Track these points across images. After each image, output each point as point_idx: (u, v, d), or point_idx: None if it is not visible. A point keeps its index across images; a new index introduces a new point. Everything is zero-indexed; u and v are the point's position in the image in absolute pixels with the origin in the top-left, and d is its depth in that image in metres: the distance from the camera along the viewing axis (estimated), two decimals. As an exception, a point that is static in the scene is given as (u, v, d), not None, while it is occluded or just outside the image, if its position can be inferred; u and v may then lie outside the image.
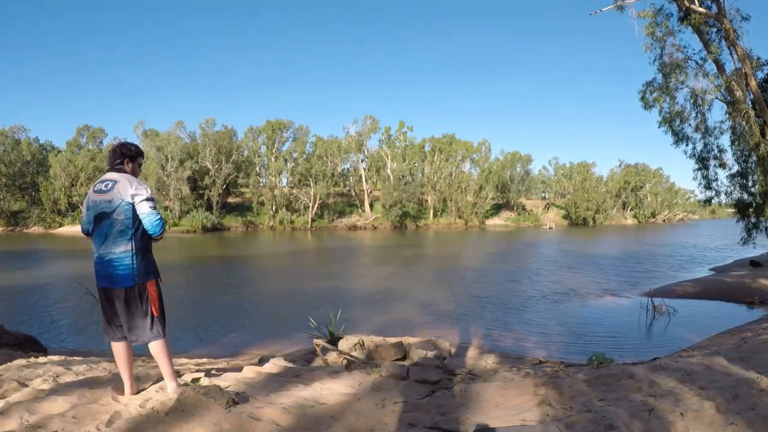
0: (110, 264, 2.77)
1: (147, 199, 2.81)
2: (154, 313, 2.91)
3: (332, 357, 5.25)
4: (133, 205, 2.79)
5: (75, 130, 56.96)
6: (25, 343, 6.25)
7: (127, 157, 2.96)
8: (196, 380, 3.30)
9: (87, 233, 2.93)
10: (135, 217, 2.80)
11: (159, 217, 2.85)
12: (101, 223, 2.79)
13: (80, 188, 46.90)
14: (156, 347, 2.92)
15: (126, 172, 2.91)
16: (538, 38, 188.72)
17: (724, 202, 12.68)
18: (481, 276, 16.63)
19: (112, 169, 2.92)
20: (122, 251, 2.78)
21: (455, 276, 17.15)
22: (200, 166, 48.98)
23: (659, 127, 12.40)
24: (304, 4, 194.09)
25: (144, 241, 2.87)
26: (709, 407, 2.41)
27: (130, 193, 2.78)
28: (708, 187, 12.52)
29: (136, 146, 3.08)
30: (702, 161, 12.34)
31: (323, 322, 6.68)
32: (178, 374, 3.28)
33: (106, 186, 2.83)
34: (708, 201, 12.93)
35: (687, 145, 12.37)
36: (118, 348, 2.91)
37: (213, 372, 3.74)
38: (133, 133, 54.09)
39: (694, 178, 12.77)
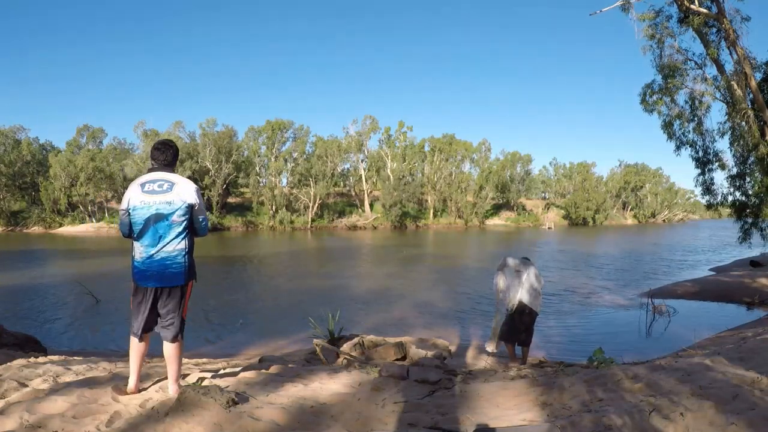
0: (163, 263, 2.81)
1: (202, 204, 2.97)
2: (184, 313, 2.98)
3: (332, 357, 5.25)
4: (192, 207, 2.87)
5: (75, 130, 56.86)
6: (25, 343, 6.24)
7: (177, 157, 3.04)
8: (200, 380, 3.31)
9: (129, 235, 2.89)
10: (190, 218, 2.90)
11: (207, 219, 3.03)
12: (157, 224, 2.80)
13: (80, 188, 46.83)
14: (175, 347, 2.94)
15: (176, 173, 2.96)
16: (539, 38, 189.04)
17: (720, 201, 12.63)
18: (481, 276, 16.60)
19: (161, 167, 2.92)
20: (177, 250, 2.84)
21: (455, 276, 17.15)
22: (200, 166, 48.90)
23: (664, 132, 12.36)
24: (305, 5, 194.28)
25: (193, 240, 2.97)
26: (709, 407, 2.40)
27: (194, 197, 2.87)
28: (708, 191, 12.50)
29: None
30: (703, 164, 12.30)
31: (323, 323, 6.68)
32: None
33: (160, 186, 2.83)
34: (711, 206, 12.92)
35: (689, 149, 12.32)
36: (139, 345, 2.92)
37: (213, 372, 3.73)
38: (133, 133, 54.31)
39: (696, 184, 12.75)
